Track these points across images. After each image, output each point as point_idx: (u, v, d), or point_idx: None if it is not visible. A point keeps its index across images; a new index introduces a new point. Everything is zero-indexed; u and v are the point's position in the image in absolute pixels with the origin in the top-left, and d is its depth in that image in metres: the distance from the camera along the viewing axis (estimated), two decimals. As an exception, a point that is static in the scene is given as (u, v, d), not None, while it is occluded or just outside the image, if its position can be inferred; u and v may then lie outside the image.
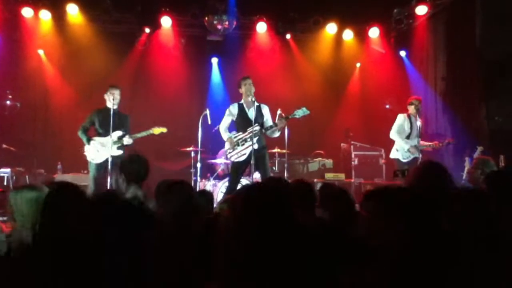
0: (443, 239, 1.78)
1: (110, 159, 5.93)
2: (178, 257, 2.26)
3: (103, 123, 6.14)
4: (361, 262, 1.75)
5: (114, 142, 6.06)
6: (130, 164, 3.21)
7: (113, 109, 6.07)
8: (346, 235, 2.30)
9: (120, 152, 6.07)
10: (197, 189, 6.52)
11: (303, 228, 1.85)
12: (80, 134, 6.23)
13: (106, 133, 6.08)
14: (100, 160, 6.08)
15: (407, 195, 1.93)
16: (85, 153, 6.18)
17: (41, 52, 9.18)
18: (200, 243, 2.26)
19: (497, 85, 7.48)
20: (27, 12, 8.57)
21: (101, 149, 6.07)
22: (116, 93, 6.20)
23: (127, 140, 6.07)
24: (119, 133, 6.09)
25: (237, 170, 6.11)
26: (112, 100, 6.11)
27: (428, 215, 1.83)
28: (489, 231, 1.87)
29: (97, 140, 6.13)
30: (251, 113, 6.09)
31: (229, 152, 6.16)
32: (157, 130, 6.23)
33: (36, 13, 8.64)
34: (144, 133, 6.21)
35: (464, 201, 1.99)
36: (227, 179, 6.78)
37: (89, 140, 6.14)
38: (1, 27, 8.31)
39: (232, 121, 6.28)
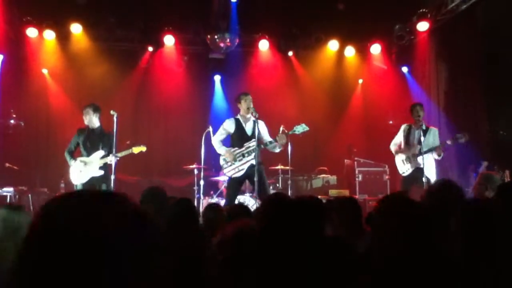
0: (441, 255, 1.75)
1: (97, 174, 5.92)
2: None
3: (84, 143, 6.08)
4: (364, 274, 1.72)
5: (96, 162, 5.96)
6: (155, 198, 3.04)
7: (92, 128, 6.05)
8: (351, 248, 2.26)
9: (102, 172, 5.96)
10: (200, 206, 6.49)
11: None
12: (65, 154, 6.13)
13: (87, 153, 6.02)
14: (83, 180, 5.97)
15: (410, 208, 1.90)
16: (70, 178, 6.09)
17: (45, 71, 9.26)
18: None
19: (500, 99, 7.45)
20: (31, 32, 8.66)
21: (83, 169, 5.96)
22: (85, 113, 6.07)
23: (110, 159, 5.86)
24: (101, 152, 5.99)
25: (234, 186, 6.02)
26: (85, 120, 6.08)
27: (426, 229, 1.80)
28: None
29: (80, 159, 6.02)
30: (249, 128, 6.06)
31: (225, 167, 6.05)
32: (136, 149, 6.07)
33: (40, 33, 8.74)
34: (125, 152, 6.02)
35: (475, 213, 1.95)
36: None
37: (72, 160, 6.03)
38: (6, 47, 8.37)
39: (228, 135, 6.18)
